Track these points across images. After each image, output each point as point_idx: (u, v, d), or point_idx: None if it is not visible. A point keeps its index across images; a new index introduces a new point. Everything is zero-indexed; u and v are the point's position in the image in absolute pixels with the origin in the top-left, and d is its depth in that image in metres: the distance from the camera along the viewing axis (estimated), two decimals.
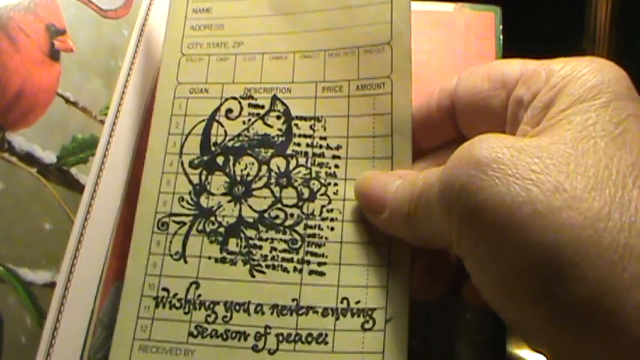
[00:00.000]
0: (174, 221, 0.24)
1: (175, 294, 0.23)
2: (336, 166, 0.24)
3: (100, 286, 0.24)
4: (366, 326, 0.21)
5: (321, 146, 0.24)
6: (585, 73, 0.19)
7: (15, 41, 0.23)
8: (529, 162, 0.17)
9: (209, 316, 0.22)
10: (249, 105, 0.25)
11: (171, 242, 0.24)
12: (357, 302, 0.22)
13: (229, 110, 0.25)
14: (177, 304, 0.23)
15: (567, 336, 0.16)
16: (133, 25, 0.28)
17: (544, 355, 0.17)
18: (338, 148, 0.24)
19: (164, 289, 0.23)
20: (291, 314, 0.22)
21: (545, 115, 0.19)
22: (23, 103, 0.23)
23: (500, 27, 0.30)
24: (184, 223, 0.24)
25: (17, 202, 0.22)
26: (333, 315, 0.22)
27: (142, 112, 0.27)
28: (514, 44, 0.30)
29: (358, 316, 0.22)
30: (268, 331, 0.22)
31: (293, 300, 0.22)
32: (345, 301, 0.22)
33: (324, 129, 0.24)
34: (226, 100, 0.25)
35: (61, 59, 0.25)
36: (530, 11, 0.42)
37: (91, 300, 0.24)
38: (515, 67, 0.21)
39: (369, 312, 0.22)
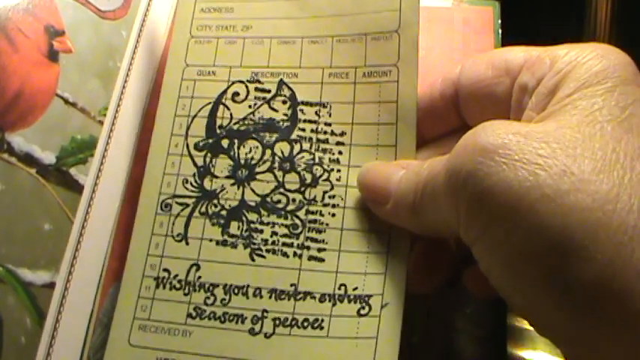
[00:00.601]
0: (177, 203, 0.24)
1: (176, 275, 0.23)
2: (340, 153, 0.24)
3: (99, 286, 0.24)
4: (362, 312, 0.21)
5: (325, 132, 0.24)
6: (591, 58, 0.19)
7: (14, 42, 0.23)
8: (536, 147, 0.16)
9: (208, 298, 0.22)
10: (256, 89, 0.25)
11: (173, 224, 0.24)
12: (355, 289, 0.22)
13: (236, 94, 0.25)
14: (178, 285, 0.23)
15: (577, 320, 0.15)
16: (131, 25, 0.28)
17: (553, 340, 0.17)
18: (342, 134, 0.24)
19: (165, 269, 0.23)
20: (288, 299, 0.22)
21: (551, 101, 0.19)
22: (22, 103, 0.23)
23: (499, 21, 0.29)
24: (187, 205, 0.24)
25: (16, 203, 0.22)
26: (330, 301, 0.22)
27: (141, 113, 0.27)
28: (513, 42, 0.29)
29: (355, 302, 0.22)
30: (265, 315, 0.22)
31: (291, 285, 0.22)
32: (342, 288, 0.22)
33: (330, 115, 0.24)
34: (233, 83, 0.25)
35: (59, 60, 0.25)
36: (529, 10, 0.42)
37: (90, 300, 0.24)
38: (519, 54, 0.21)
39: (366, 298, 0.22)
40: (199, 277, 0.23)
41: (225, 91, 0.25)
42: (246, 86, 0.25)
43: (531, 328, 0.31)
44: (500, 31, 0.29)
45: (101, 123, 0.26)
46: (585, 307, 0.15)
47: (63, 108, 0.24)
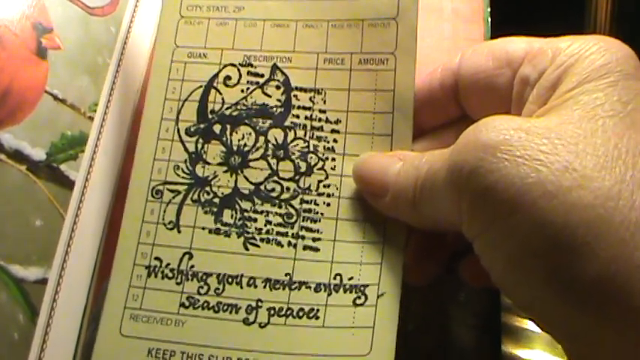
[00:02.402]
0: (168, 190, 0.23)
1: (168, 264, 0.23)
2: (335, 141, 0.23)
3: (92, 281, 0.24)
4: (358, 302, 0.21)
5: (320, 119, 0.24)
6: (593, 51, 0.18)
7: (2, 40, 0.23)
8: (537, 143, 0.16)
9: (201, 287, 0.22)
10: (249, 73, 0.24)
11: (165, 211, 0.23)
12: (350, 278, 0.22)
13: (228, 77, 0.25)
14: (170, 274, 0.23)
15: (580, 316, 0.16)
16: (120, 22, 0.28)
17: (555, 337, 0.17)
18: (337, 122, 0.24)
19: (157, 258, 0.23)
20: (283, 289, 0.22)
21: (552, 95, 0.19)
22: (11, 100, 0.23)
23: (488, 10, 0.29)
24: (179, 192, 0.23)
25: (7, 200, 0.22)
26: (325, 290, 0.22)
27: (132, 108, 0.27)
28: (505, 32, 0.29)
29: (350, 292, 0.22)
30: (260, 304, 0.22)
31: (286, 274, 0.22)
32: (338, 277, 0.22)
33: (324, 102, 0.24)
34: (225, 66, 0.25)
35: (48, 57, 0.25)
36: (527, 12, 0.42)
37: (83, 296, 0.24)
38: (521, 45, 0.21)
39: (362, 288, 0.22)
40: (192, 266, 0.22)
41: (216, 75, 0.25)
42: (239, 70, 0.25)
43: (528, 327, 0.31)
44: (489, 20, 0.29)
45: (91, 119, 0.26)
46: (588, 303, 0.15)
47: (52, 104, 0.24)
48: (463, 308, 0.25)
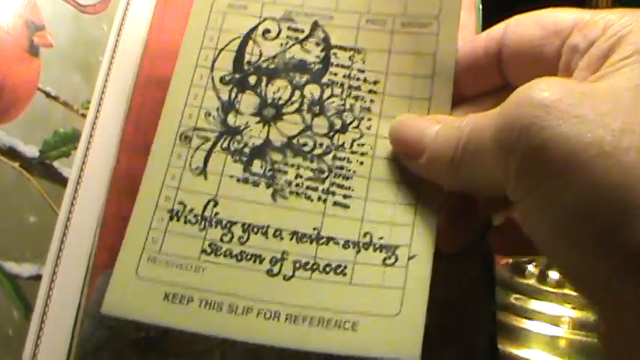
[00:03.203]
0: (197, 136, 0.23)
1: (192, 209, 0.22)
2: (372, 101, 0.23)
3: (86, 277, 0.24)
4: (388, 262, 0.21)
5: (358, 79, 0.23)
6: None
7: None
8: (595, 104, 0.16)
9: (225, 235, 0.22)
10: (289, 28, 0.24)
11: (192, 156, 0.23)
12: (381, 238, 0.21)
13: (267, 31, 0.24)
14: (193, 220, 0.22)
15: (629, 283, 0.15)
16: (112, 19, 0.28)
17: (600, 305, 0.17)
18: (375, 83, 0.23)
19: (180, 202, 0.22)
20: (310, 242, 0.21)
21: (604, 63, 0.19)
22: (4, 98, 0.23)
23: None
24: (208, 139, 0.23)
25: (0, 197, 0.22)
26: (354, 248, 0.21)
27: (125, 105, 0.27)
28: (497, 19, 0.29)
29: (380, 251, 0.21)
30: (285, 256, 0.21)
31: (314, 229, 0.22)
32: (367, 236, 0.21)
33: (363, 62, 0.24)
34: (265, 19, 0.25)
35: (40, 54, 0.25)
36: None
37: (77, 292, 0.24)
38: (570, 15, 0.21)
39: (392, 248, 0.21)
40: (217, 214, 0.22)
41: (256, 27, 0.24)
42: (278, 24, 0.24)
43: (525, 326, 0.31)
44: (480, 7, 0.29)
45: (84, 116, 0.26)
46: (638, 269, 0.15)
47: (45, 102, 0.25)
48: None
